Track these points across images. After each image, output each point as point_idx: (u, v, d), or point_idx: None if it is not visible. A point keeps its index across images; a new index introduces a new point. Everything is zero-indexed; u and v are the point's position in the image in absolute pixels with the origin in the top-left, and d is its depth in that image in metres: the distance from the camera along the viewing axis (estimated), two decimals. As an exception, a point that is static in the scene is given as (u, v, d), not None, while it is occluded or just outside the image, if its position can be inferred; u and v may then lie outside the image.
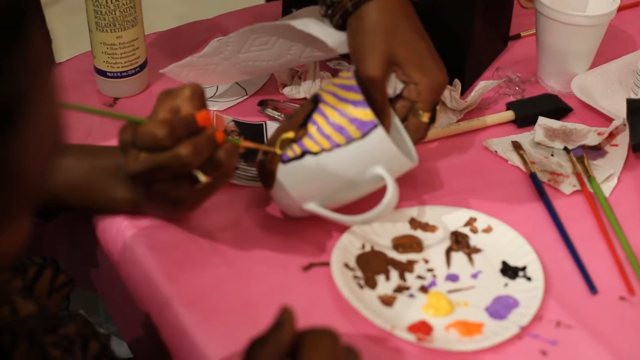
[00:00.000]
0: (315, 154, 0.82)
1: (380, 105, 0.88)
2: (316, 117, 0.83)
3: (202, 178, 0.76)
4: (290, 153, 0.83)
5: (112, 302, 0.96)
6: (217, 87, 1.06)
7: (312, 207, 0.84)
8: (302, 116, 0.84)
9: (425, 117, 0.89)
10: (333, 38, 0.92)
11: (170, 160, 0.75)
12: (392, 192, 0.82)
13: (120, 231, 0.88)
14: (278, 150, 0.83)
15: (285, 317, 0.63)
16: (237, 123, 1.00)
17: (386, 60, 0.88)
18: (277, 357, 0.62)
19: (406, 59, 0.88)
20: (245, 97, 1.05)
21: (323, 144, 0.82)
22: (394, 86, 0.90)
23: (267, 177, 0.85)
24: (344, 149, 0.82)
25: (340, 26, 0.92)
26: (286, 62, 1.00)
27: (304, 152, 0.83)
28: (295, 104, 1.03)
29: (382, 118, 0.88)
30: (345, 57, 1.06)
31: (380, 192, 0.84)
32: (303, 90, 1.04)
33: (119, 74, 1.03)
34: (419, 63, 0.88)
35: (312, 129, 0.83)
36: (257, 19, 1.17)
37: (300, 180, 0.83)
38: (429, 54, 0.89)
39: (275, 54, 0.99)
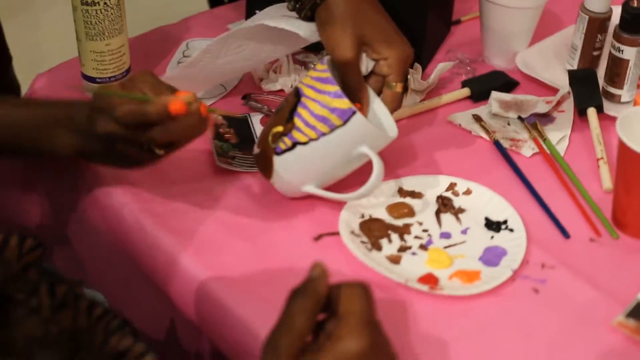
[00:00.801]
0: (304, 144, 0.92)
1: (357, 84, 0.97)
2: (300, 110, 0.92)
3: (160, 152, 0.89)
4: (282, 145, 0.93)
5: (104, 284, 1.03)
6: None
7: (310, 189, 0.94)
8: (287, 110, 0.93)
9: (398, 88, 0.99)
10: (304, 29, 1.01)
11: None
12: (378, 168, 0.92)
13: (133, 215, 0.96)
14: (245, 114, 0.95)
15: (319, 270, 0.69)
16: (224, 117, 1.09)
17: (357, 43, 0.97)
18: (317, 305, 0.68)
19: (374, 39, 0.97)
20: (225, 93, 1.14)
21: (310, 134, 0.92)
22: (365, 65, 1.00)
23: (265, 168, 0.95)
24: (329, 137, 0.92)
25: (309, 18, 1.01)
26: (261, 59, 1.09)
27: (295, 144, 0.92)
28: (274, 96, 1.12)
29: (360, 95, 0.97)
30: (311, 49, 1.15)
31: (368, 164, 0.94)
32: (280, 83, 1.13)
33: (107, 79, 1.10)
34: (386, 40, 0.98)
35: (298, 122, 0.92)
36: (220, 20, 1.26)
37: (295, 168, 0.93)
38: (393, 31, 0.99)
39: (250, 54, 1.08)
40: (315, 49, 1.13)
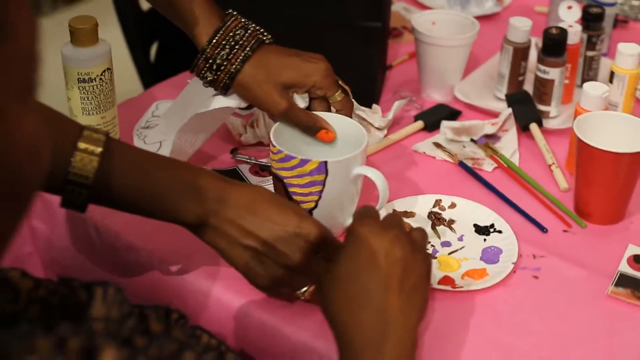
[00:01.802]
0: (315, 207, 1.04)
1: (308, 120, 1.07)
2: (291, 189, 1.04)
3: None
4: None
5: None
6: (160, 143, 1.24)
7: (349, 222, 1.05)
8: (283, 193, 1.05)
9: (339, 96, 1.09)
10: (232, 101, 1.10)
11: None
12: (378, 179, 1.04)
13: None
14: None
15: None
16: (218, 171, 1.18)
17: (281, 91, 1.06)
18: None
19: (291, 78, 1.06)
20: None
21: (313, 198, 1.04)
22: (301, 100, 1.10)
23: None
24: (326, 190, 1.03)
25: (227, 89, 1.08)
26: (203, 139, 1.19)
27: (309, 212, 1.04)
28: (256, 147, 1.23)
29: (319, 124, 1.07)
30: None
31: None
32: (259, 135, 1.24)
33: (102, 150, 1.17)
34: (302, 73, 1.06)
35: (297, 197, 1.04)
36: (179, 87, 1.35)
37: (324, 224, 1.03)
38: (300, 59, 1.07)
39: (194, 140, 1.17)
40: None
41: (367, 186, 1.09)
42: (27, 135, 0.53)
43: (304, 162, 1.02)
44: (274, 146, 1.04)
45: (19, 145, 0.52)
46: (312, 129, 1.08)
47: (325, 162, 1.02)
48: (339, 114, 1.10)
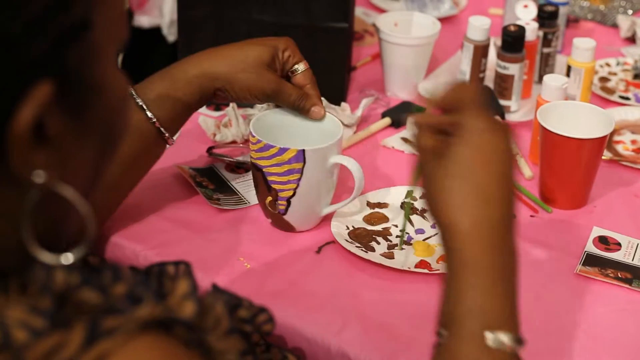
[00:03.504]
0: (294, 195, 1.08)
1: (297, 98, 1.09)
2: (270, 177, 1.08)
3: None
4: (282, 207, 1.09)
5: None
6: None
7: (326, 210, 1.11)
8: (263, 182, 1.09)
9: (302, 65, 1.11)
10: None
11: None
12: (353, 166, 1.08)
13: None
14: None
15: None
16: (195, 169, 1.22)
17: (266, 74, 1.08)
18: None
19: (260, 54, 1.09)
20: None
21: (291, 187, 1.08)
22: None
23: (286, 228, 1.11)
24: (304, 178, 1.07)
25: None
26: None
27: (288, 200, 1.08)
28: (231, 146, 1.27)
29: (307, 101, 1.10)
30: (248, 105, 1.30)
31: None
32: (231, 134, 1.27)
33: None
34: (266, 44, 1.10)
35: (276, 186, 1.08)
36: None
37: (303, 211, 1.10)
38: (256, 41, 1.11)
39: None
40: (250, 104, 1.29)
41: (341, 178, 1.13)
42: (121, 83, 0.61)
43: (282, 150, 1.05)
44: (254, 136, 1.07)
45: (117, 89, 0.60)
46: (303, 106, 1.10)
47: (303, 151, 1.05)
48: (306, 88, 1.10)
